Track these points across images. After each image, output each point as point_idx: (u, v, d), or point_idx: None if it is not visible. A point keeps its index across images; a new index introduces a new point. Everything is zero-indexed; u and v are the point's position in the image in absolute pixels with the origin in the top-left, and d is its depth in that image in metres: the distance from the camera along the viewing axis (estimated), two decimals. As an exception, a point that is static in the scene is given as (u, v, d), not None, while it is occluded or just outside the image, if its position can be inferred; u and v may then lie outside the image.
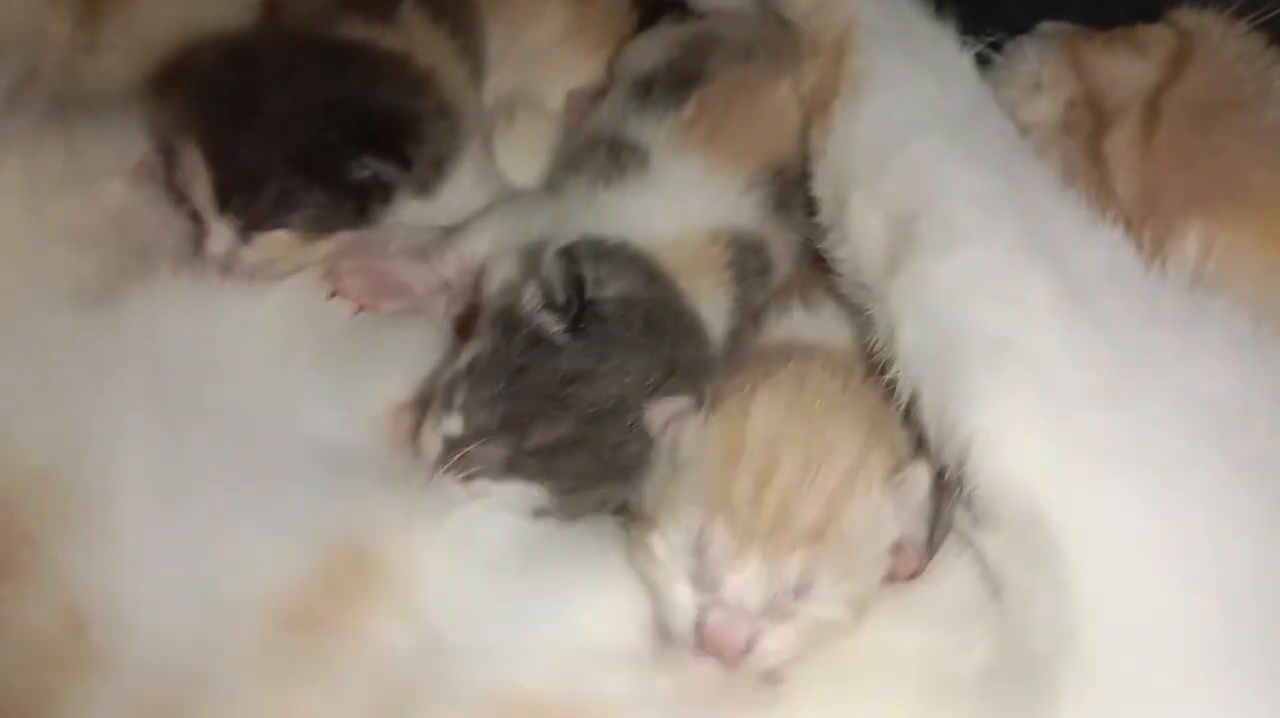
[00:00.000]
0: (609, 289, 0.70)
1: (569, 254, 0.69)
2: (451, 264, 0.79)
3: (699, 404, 0.66)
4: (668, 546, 0.62)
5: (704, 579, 0.61)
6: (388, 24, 0.84)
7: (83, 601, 0.67)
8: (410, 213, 0.82)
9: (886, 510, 0.64)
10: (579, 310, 0.67)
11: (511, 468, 0.66)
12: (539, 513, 0.68)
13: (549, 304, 0.67)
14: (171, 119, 0.76)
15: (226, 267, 0.74)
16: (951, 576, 0.65)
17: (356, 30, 0.82)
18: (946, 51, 0.78)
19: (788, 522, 0.60)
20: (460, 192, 0.84)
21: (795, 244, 0.80)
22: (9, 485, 0.69)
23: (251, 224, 0.74)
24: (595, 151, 0.79)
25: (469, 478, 0.66)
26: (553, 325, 0.67)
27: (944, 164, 0.70)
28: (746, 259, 0.77)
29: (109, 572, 0.67)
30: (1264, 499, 0.59)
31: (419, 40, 0.84)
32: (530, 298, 0.68)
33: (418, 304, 0.79)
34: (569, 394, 0.66)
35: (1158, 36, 0.76)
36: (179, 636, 0.66)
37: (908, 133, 0.72)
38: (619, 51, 0.91)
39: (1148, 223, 0.71)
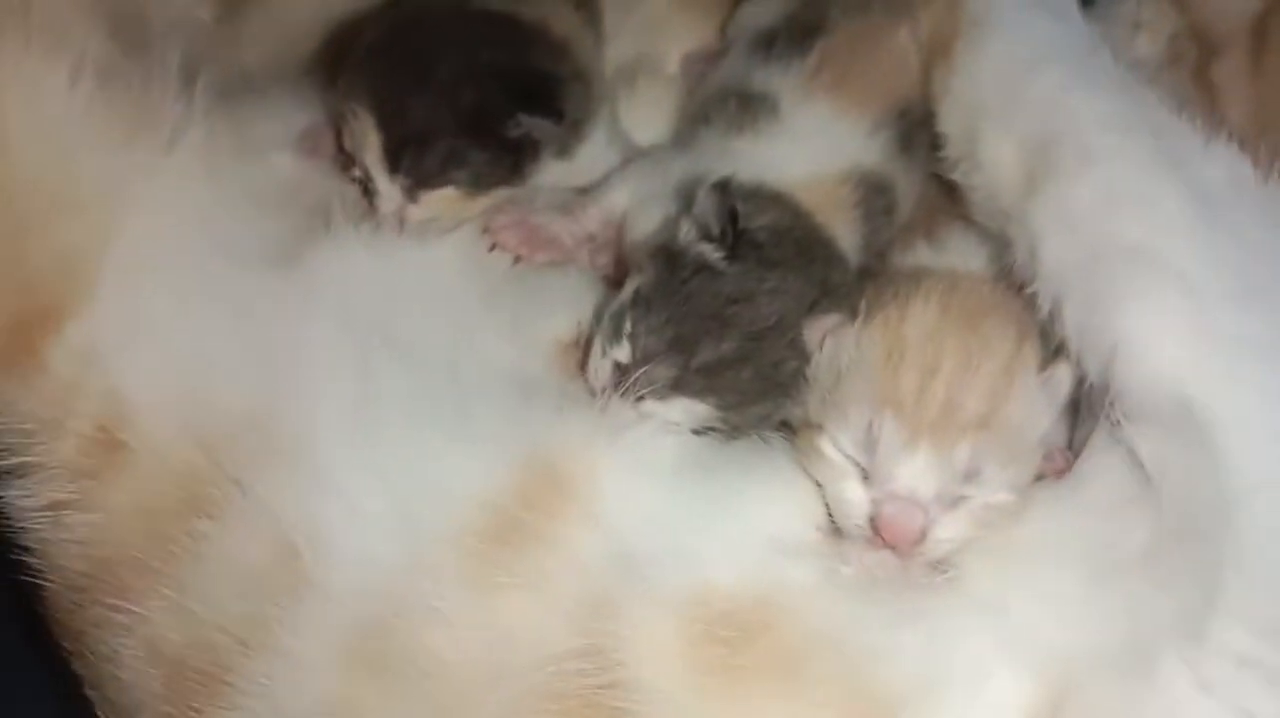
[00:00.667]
0: (759, 219, 0.75)
1: (722, 188, 0.75)
2: (595, 217, 0.84)
3: (853, 317, 0.71)
4: (837, 446, 0.67)
5: (876, 474, 0.66)
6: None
7: (292, 531, 0.72)
8: (551, 175, 0.87)
9: (1041, 400, 0.68)
10: (735, 238, 0.72)
11: (678, 386, 0.71)
12: (705, 429, 0.72)
13: (706, 235, 0.73)
14: (341, 88, 0.81)
15: (397, 224, 0.79)
16: (1100, 472, 0.69)
17: (497, 3, 0.87)
18: None
19: (954, 412, 0.65)
20: (594, 153, 0.89)
21: (919, 184, 0.85)
22: (216, 432, 0.74)
23: (419, 182, 0.79)
24: (725, 103, 0.84)
25: (639, 399, 0.71)
26: (712, 253, 0.72)
27: (1070, 93, 0.74)
28: (874, 198, 0.82)
29: (315, 502, 0.72)
30: None
31: (553, 11, 0.89)
32: (687, 231, 0.74)
33: (567, 255, 0.84)
34: (732, 314, 0.71)
35: (1259, -34, 0.81)
36: (386, 557, 0.70)
37: (1033, 66, 0.76)
38: (731, 16, 0.96)
39: (1261, 141, 0.76)
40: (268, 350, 0.75)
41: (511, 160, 0.82)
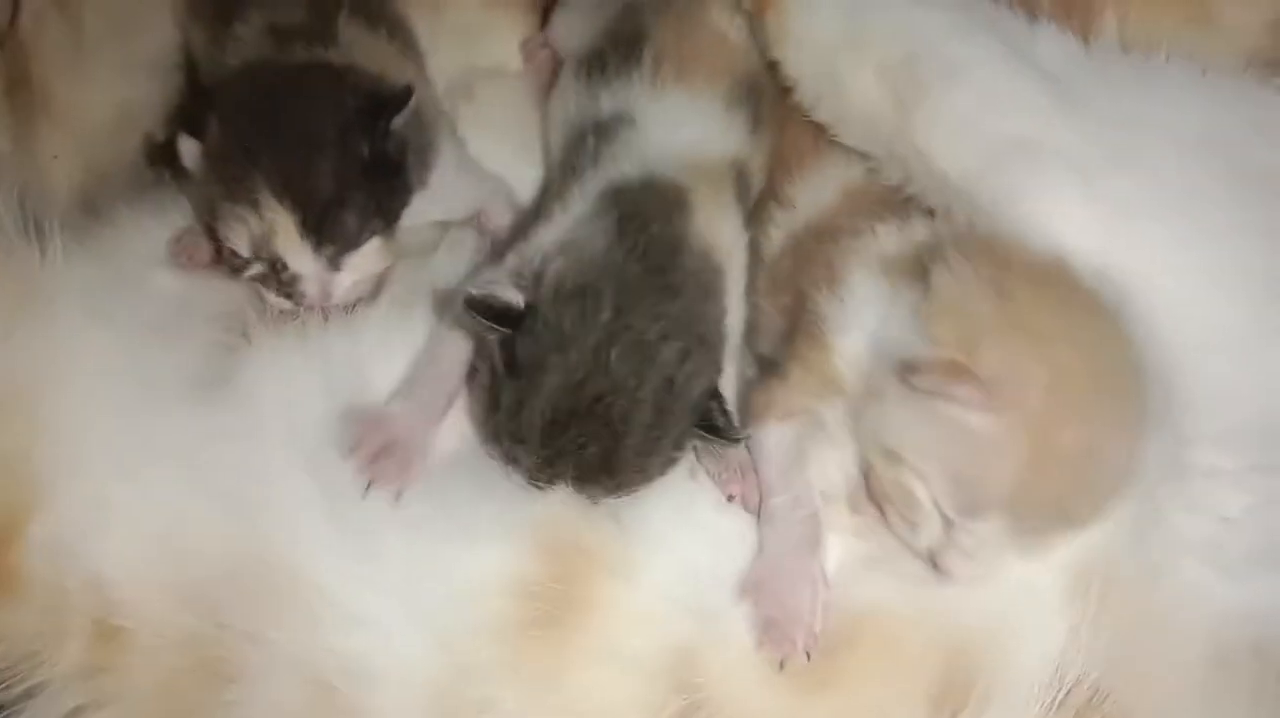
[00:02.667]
0: (546, 280, 0.72)
1: (469, 298, 0.71)
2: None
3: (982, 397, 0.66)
4: (929, 502, 0.68)
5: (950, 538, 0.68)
6: (330, 43, 0.86)
7: (320, 668, 0.71)
8: (415, 210, 0.84)
9: None
10: (512, 341, 0.70)
11: (552, 480, 0.70)
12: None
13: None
14: (217, 188, 0.76)
15: (322, 305, 0.77)
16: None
17: (302, 55, 0.84)
18: None
19: (1070, 520, 0.67)
20: (447, 178, 0.87)
21: (767, 154, 0.87)
22: (207, 587, 0.71)
23: (344, 247, 0.77)
24: (583, 143, 0.83)
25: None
26: (498, 360, 0.71)
27: (910, 11, 0.79)
28: (741, 181, 0.84)
29: (334, 634, 0.71)
30: (1269, 193, 0.72)
31: (362, 50, 0.87)
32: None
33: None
34: (527, 417, 0.69)
35: None
36: (427, 667, 0.70)
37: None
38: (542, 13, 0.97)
39: (1066, 13, 0.84)
40: (227, 488, 0.73)
41: (401, 181, 0.80)
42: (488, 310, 0.70)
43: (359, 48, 0.87)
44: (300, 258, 0.76)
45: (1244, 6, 0.81)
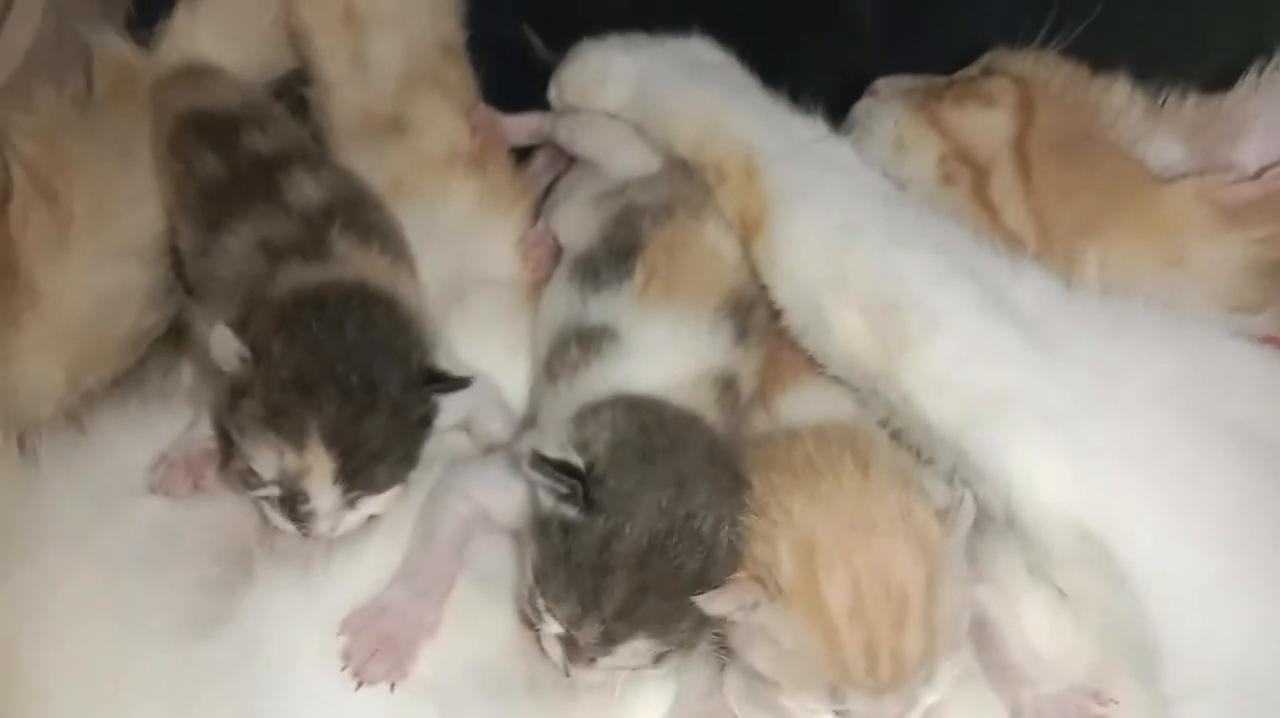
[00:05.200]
0: (597, 447, 0.76)
1: (536, 455, 0.74)
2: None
3: (759, 589, 0.71)
4: (796, 704, 0.71)
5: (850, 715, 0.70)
6: (326, 258, 0.87)
7: None
8: None
9: (956, 561, 0.73)
10: (583, 489, 0.73)
11: (609, 638, 0.73)
12: (660, 659, 0.75)
13: (560, 498, 0.74)
14: (260, 423, 0.76)
15: (332, 535, 0.77)
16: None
17: (311, 274, 0.85)
18: (830, 143, 0.91)
19: (905, 662, 0.69)
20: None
21: (756, 364, 0.88)
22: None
23: (369, 492, 0.78)
24: (566, 352, 0.85)
25: (591, 662, 0.74)
26: (570, 511, 0.74)
27: (890, 254, 0.82)
28: (725, 394, 0.85)
29: None
30: (1238, 444, 0.74)
31: (356, 264, 0.88)
32: (544, 500, 0.75)
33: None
34: (609, 557, 0.72)
35: (999, 87, 0.90)
36: None
37: (847, 234, 0.83)
38: (540, 200, 0.99)
39: (1049, 252, 0.86)
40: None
41: (428, 434, 0.82)
42: (555, 466, 0.72)
43: (353, 262, 0.87)
44: (325, 497, 0.77)
45: (1215, 252, 0.84)
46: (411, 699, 0.73)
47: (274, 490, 0.78)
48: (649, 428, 0.77)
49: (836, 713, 0.70)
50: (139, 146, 1.00)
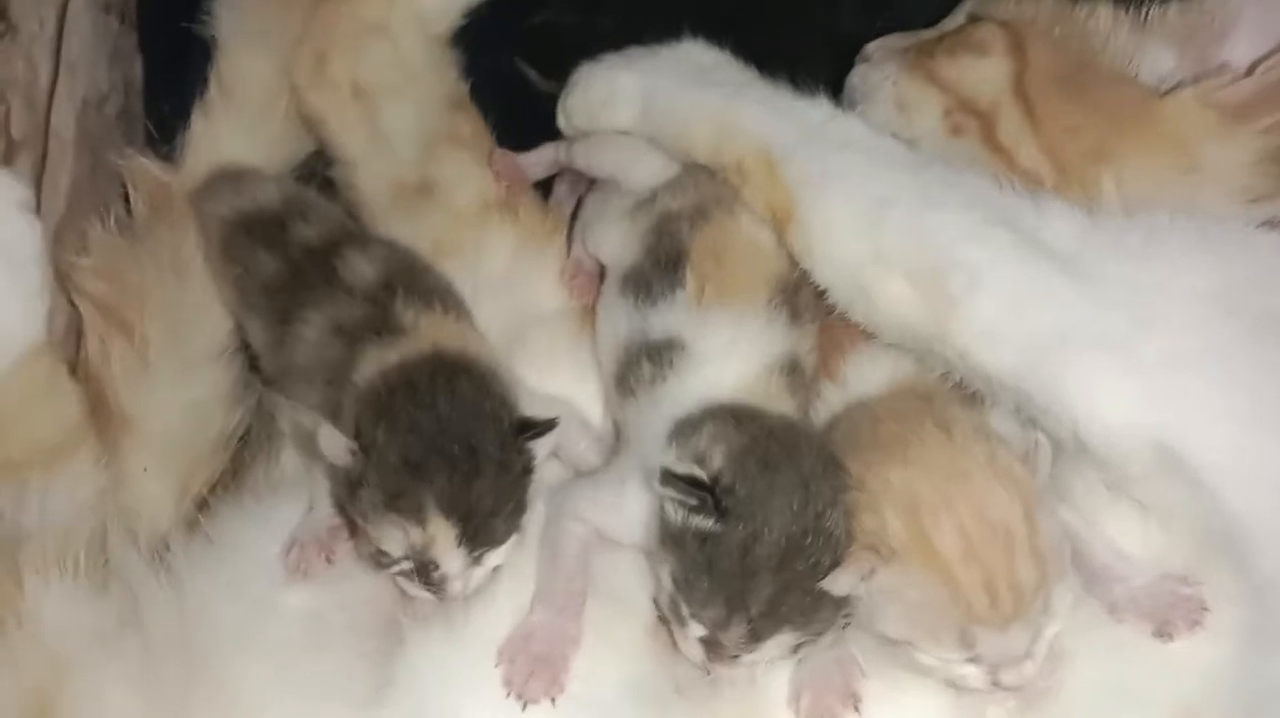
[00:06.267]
0: (716, 460, 0.81)
1: (666, 473, 0.80)
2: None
3: (874, 556, 0.76)
4: (932, 657, 0.76)
5: (982, 659, 0.75)
6: (399, 332, 0.92)
7: None
8: None
9: (1049, 502, 0.78)
10: (714, 500, 0.78)
11: (756, 635, 0.78)
12: (798, 648, 0.80)
13: (691, 510, 0.79)
14: (377, 488, 0.80)
15: (466, 593, 0.82)
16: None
17: (391, 355, 0.89)
18: (841, 121, 0.94)
19: (1023, 588, 0.73)
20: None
21: (813, 339, 0.92)
22: None
23: (489, 547, 0.83)
24: (639, 367, 0.90)
25: (734, 660, 0.79)
26: (704, 523, 0.78)
27: (923, 219, 0.85)
28: (794, 378, 0.90)
29: None
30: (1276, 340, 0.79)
31: (428, 330, 0.92)
32: (674, 514, 0.79)
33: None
34: (752, 561, 0.77)
35: (988, 33, 0.94)
36: None
37: (877, 210, 0.86)
38: (574, 229, 1.03)
39: (1066, 184, 0.90)
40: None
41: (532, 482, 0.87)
42: (685, 481, 0.78)
43: (422, 330, 0.92)
44: (453, 562, 0.82)
45: (1226, 152, 0.88)
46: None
47: (406, 565, 0.84)
48: (761, 437, 0.82)
49: (971, 660, 0.75)
50: (190, 257, 1.05)
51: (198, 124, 1.09)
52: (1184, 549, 0.78)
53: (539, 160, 1.09)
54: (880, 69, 1.00)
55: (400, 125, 1.06)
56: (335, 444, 0.83)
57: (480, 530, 0.83)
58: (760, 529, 0.77)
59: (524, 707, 0.79)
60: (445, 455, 0.83)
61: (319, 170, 1.11)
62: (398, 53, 1.07)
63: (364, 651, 0.82)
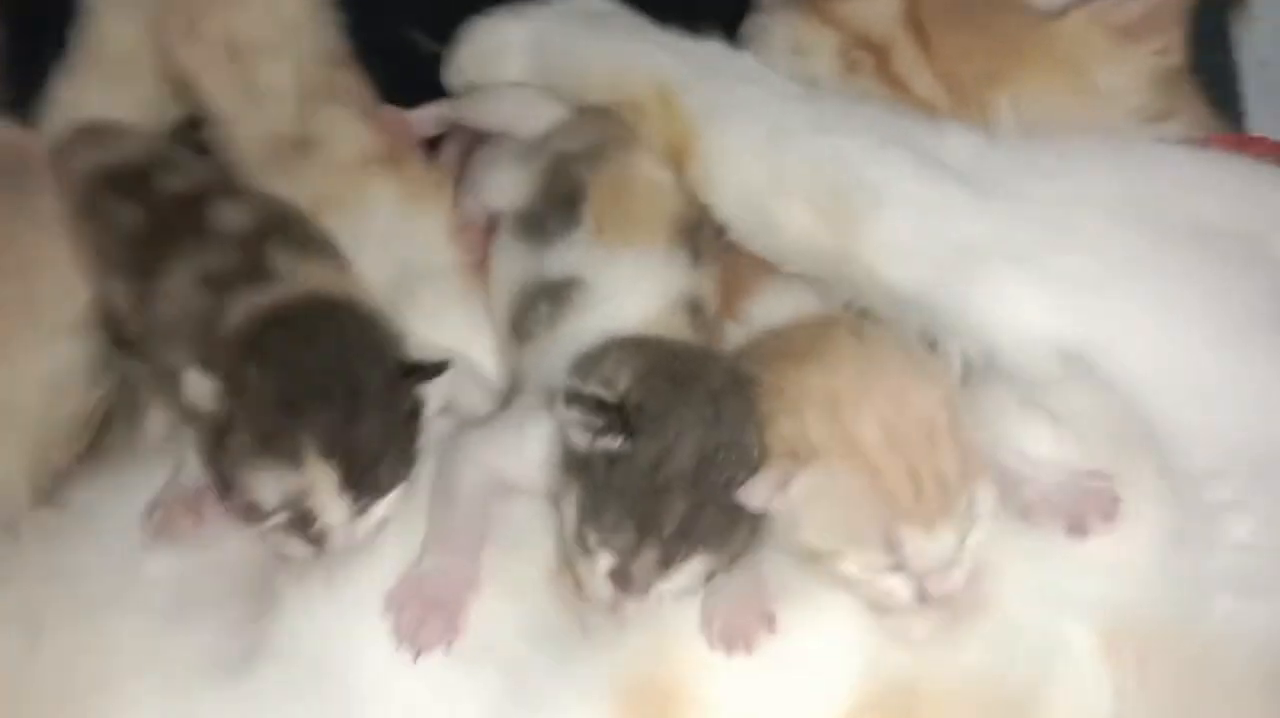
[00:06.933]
0: (623, 380, 0.77)
1: (572, 393, 0.75)
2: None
3: (791, 461, 0.72)
4: (858, 565, 0.71)
5: (908, 566, 0.71)
6: (271, 278, 0.85)
7: None
8: None
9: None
10: (622, 418, 0.74)
11: (668, 560, 0.73)
12: (711, 576, 0.75)
13: (597, 433, 0.74)
14: (248, 432, 0.74)
15: (349, 547, 0.75)
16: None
17: (261, 297, 0.82)
18: (735, 58, 0.93)
19: (947, 481, 0.70)
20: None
21: (714, 280, 0.90)
22: None
23: (375, 496, 0.76)
24: (537, 308, 0.86)
25: (645, 592, 0.73)
26: (611, 443, 0.73)
27: (820, 143, 0.84)
28: (696, 317, 0.87)
29: None
30: (1198, 241, 0.78)
31: (303, 277, 0.86)
32: (579, 438, 0.74)
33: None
34: (663, 478, 0.73)
35: (875, -30, 0.93)
36: None
37: (775, 137, 0.85)
38: (463, 185, 0.98)
39: (965, 111, 0.89)
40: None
41: (420, 428, 0.81)
42: (591, 401, 0.73)
43: (298, 276, 0.86)
44: (335, 512, 0.75)
45: (1119, 72, 0.88)
46: (473, 669, 0.72)
47: (281, 518, 0.76)
48: (666, 358, 0.78)
49: (895, 568, 0.71)
50: (48, 222, 0.97)
51: (60, 86, 1.02)
52: (1099, 454, 0.76)
53: (427, 117, 1.05)
54: (775, 16, 0.99)
55: (277, 81, 1.01)
56: (200, 388, 0.76)
57: (364, 476, 0.77)
58: (671, 445, 0.72)
59: (417, 656, 0.73)
60: (324, 393, 0.76)
61: (191, 135, 1.05)
62: (274, 9, 1.03)
63: (235, 616, 0.75)
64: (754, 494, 0.71)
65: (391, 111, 1.03)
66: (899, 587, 0.72)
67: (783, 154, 0.84)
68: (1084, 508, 0.74)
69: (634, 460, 0.73)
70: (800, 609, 0.73)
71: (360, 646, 0.73)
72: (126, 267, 0.92)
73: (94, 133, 0.98)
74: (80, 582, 0.76)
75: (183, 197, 0.92)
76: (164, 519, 0.80)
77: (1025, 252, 0.78)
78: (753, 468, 0.74)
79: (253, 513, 0.77)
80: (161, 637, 0.74)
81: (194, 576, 0.77)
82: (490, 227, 0.97)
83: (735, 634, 0.73)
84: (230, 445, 0.76)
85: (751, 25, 1.00)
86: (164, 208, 0.91)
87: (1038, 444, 0.77)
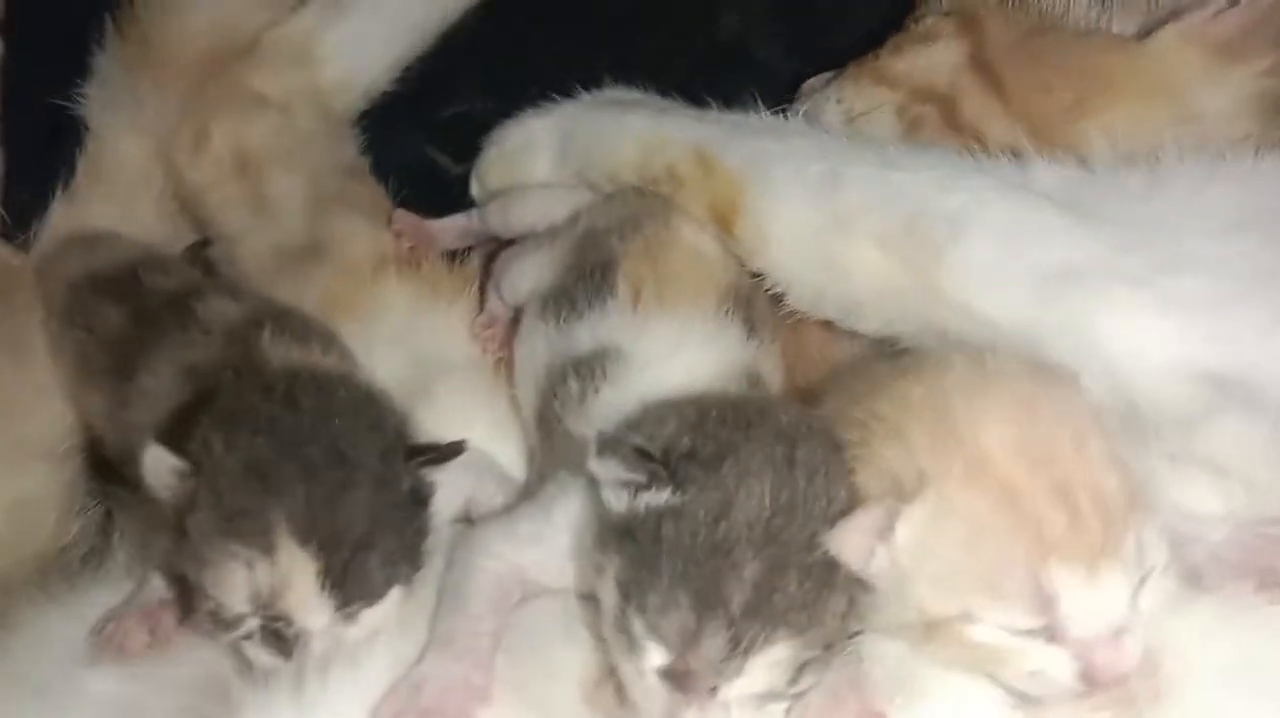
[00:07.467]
0: (669, 428, 0.63)
1: (613, 439, 0.62)
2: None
3: (892, 502, 0.57)
4: (996, 628, 0.55)
5: (1065, 627, 0.54)
6: (265, 369, 0.74)
7: None
8: None
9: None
10: (668, 466, 0.60)
11: (740, 646, 0.56)
12: (800, 673, 0.57)
13: (638, 487, 0.60)
14: (211, 512, 0.61)
15: (328, 661, 0.60)
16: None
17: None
18: (774, 120, 0.84)
19: (1108, 509, 0.54)
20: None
21: (775, 354, 0.79)
22: None
23: (366, 599, 0.62)
24: (563, 389, 0.74)
25: (713, 692, 0.56)
26: (660, 496, 0.59)
27: (886, 178, 0.73)
28: (754, 388, 0.74)
29: None
30: None
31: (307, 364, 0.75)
32: (618, 497, 0.60)
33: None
34: (726, 534, 0.57)
35: (933, 24, 0.85)
36: None
37: (831, 177, 0.75)
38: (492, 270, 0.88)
39: (1050, 149, 0.77)
40: None
41: (426, 521, 0.67)
42: (629, 452, 0.59)
43: (292, 360, 0.74)
44: (313, 614, 0.61)
45: (1219, 91, 0.77)
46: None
47: (251, 624, 0.62)
48: (721, 403, 0.65)
49: (1047, 634, 0.54)
50: (29, 345, 0.89)
51: (59, 213, 0.96)
52: (1272, 496, 0.60)
53: (450, 229, 0.97)
54: (822, 92, 0.91)
55: (288, 193, 0.94)
56: (160, 465, 0.64)
57: (351, 569, 0.62)
58: (734, 494, 0.58)
59: None
60: (303, 461, 0.63)
61: (199, 255, 0.97)
62: (288, 122, 0.97)
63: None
64: (848, 543, 0.56)
65: (409, 215, 0.94)
66: (1056, 662, 0.54)
67: (843, 192, 0.73)
68: (1270, 560, 0.58)
69: (687, 517, 0.58)
70: (918, 707, 0.56)
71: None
72: (106, 372, 0.81)
73: (85, 240, 0.92)
74: (20, 697, 0.61)
75: (172, 293, 0.83)
76: (114, 633, 0.66)
77: (1140, 275, 0.66)
78: (840, 514, 0.58)
79: (217, 619, 0.62)
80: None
81: (141, 694, 0.62)
82: (514, 320, 0.86)
83: None
84: (190, 532, 0.62)
85: (807, 104, 0.92)
86: (151, 305, 0.82)
87: (1197, 501, 0.62)
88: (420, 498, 0.67)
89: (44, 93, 0.99)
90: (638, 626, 0.57)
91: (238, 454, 0.62)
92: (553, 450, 0.75)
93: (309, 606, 0.61)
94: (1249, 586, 0.57)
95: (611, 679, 0.60)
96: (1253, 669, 0.56)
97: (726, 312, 0.77)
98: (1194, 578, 0.59)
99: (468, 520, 0.76)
